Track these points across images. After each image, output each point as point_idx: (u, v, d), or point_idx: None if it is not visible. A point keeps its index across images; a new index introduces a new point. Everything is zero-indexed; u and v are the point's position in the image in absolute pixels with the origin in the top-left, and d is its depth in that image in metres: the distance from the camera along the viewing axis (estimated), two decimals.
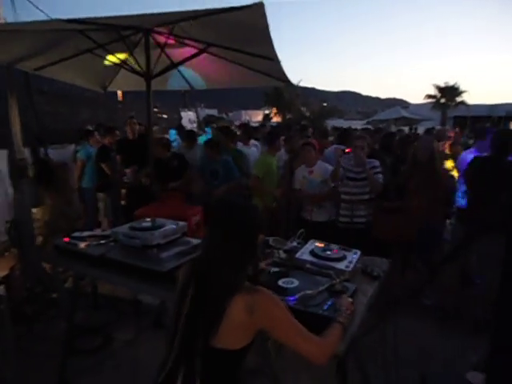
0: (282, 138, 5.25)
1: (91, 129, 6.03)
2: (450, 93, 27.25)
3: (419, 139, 4.30)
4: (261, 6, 2.37)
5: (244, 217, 1.33)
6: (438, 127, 11.37)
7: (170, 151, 4.80)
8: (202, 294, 1.29)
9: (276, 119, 29.40)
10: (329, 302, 1.59)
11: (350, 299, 1.61)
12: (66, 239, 2.42)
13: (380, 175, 3.83)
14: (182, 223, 2.36)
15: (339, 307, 1.52)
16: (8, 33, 3.12)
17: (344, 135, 5.62)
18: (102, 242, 2.35)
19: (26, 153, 4.39)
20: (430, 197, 3.65)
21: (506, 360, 1.18)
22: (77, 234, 2.50)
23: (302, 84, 31.47)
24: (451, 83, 27.59)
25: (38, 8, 4.16)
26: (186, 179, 4.58)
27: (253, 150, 5.53)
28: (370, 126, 12.12)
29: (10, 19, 3.63)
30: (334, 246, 2.21)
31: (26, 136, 4.32)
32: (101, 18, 2.89)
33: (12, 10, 3.80)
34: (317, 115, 27.95)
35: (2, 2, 3.77)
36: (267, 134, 5.12)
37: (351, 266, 1.98)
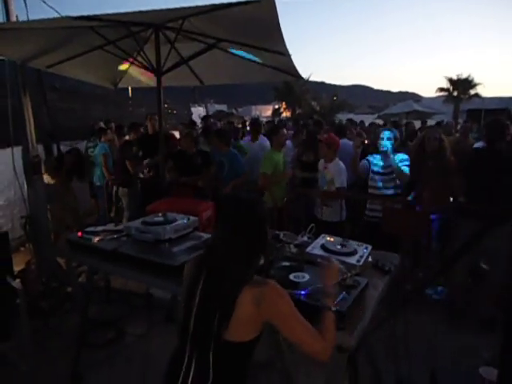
0: (290, 132, 5.20)
1: (103, 126, 6.11)
2: (462, 85, 26.72)
3: (425, 131, 4.25)
4: (271, 0, 2.36)
5: (251, 211, 1.35)
6: (449, 121, 11.18)
7: (197, 147, 4.82)
8: (212, 288, 1.31)
9: (286, 114, 29.28)
10: (340, 296, 1.59)
11: (337, 265, 1.57)
12: (80, 234, 2.46)
13: (407, 167, 3.84)
14: (193, 218, 2.38)
15: (325, 291, 1.45)
16: (20, 31, 3.17)
17: (339, 129, 5.64)
18: (115, 236, 2.38)
19: (40, 149, 4.46)
20: (441, 187, 3.62)
21: None
22: (90, 228, 2.54)
23: (311, 78, 31.20)
24: (464, 76, 27.08)
25: (48, 5, 4.17)
26: (205, 176, 4.57)
27: (260, 144, 5.42)
28: (379, 121, 11.99)
29: (22, 17, 3.67)
30: (344, 241, 2.20)
31: (39, 133, 4.40)
32: (111, 15, 2.91)
33: (23, 7, 3.83)
34: (327, 110, 27.73)
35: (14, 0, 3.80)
36: (268, 131, 5.03)
37: (362, 260, 1.97)
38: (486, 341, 2.57)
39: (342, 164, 3.97)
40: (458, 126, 9.87)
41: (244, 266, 1.30)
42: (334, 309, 1.40)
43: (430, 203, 3.64)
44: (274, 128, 4.86)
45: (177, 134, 6.30)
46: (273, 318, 1.28)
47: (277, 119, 19.50)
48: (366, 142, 4.67)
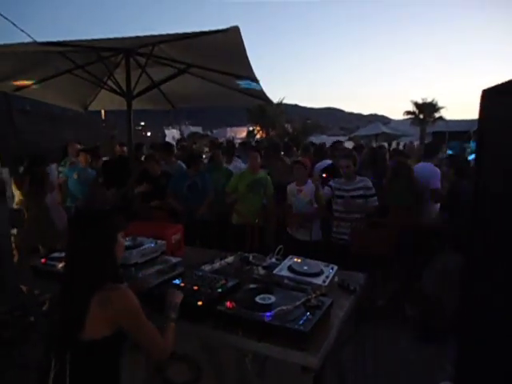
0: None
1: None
2: (428, 109, 28.10)
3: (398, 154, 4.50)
4: (236, 29, 2.47)
5: (91, 226, 1.50)
6: (416, 142, 11.69)
7: (161, 169, 4.81)
8: (66, 294, 1.48)
9: (260, 136, 29.67)
10: (304, 317, 1.61)
11: (177, 291, 1.77)
12: (44, 260, 2.39)
13: (375, 197, 3.86)
14: (160, 242, 2.37)
15: (169, 304, 1.65)
16: None
17: (320, 151, 5.78)
18: None
19: (5, 173, 4.34)
20: (407, 210, 3.78)
21: (471, 368, 1.23)
22: (56, 254, 2.47)
23: (285, 101, 31.89)
24: (429, 99, 28.50)
25: (18, 28, 4.19)
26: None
27: (236, 166, 5.52)
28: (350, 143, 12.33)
29: None
30: (311, 261, 2.24)
31: (5, 155, 4.29)
32: (80, 41, 2.94)
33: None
34: (300, 132, 28.32)
35: None
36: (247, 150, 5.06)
37: (328, 280, 2.01)
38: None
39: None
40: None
41: (92, 274, 1.44)
42: (174, 316, 1.61)
43: (397, 225, 3.76)
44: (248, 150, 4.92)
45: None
46: (120, 319, 1.42)
47: (251, 140, 19.72)
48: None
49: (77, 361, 1.41)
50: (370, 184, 3.90)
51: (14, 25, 4.19)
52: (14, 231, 4.28)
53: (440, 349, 3.03)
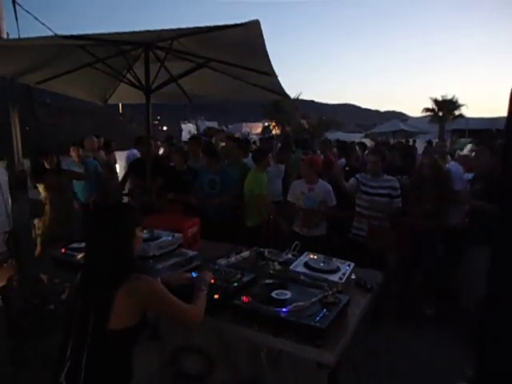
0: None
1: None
2: (447, 106, 27.49)
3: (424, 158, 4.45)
4: (257, 23, 2.44)
5: (111, 221, 1.54)
6: (436, 140, 11.47)
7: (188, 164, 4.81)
8: (91, 286, 1.51)
9: (275, 131, 29.60)
10: (320, 314, 1.61)
11: (211, 274, 1.93)
12: (64, 250, 2.44)
13: (399, 199, 3.81)
14: (177, 235, 2.39)
15: (201, 279, 1.80)
16: (11, 48, 3.20)
17: (346, 149, 5.74)
18: None
19: (26, 164, 4.44)
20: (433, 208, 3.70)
21: (494, 371, 1.20)
22: (74, 245, 2.52)
23: (301, 97, 31.70)
24: (449, 97, 27.87)
25: (39, 21, 4.25)
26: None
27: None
28: (367, 140, 12.18)
29: (13, 32, 3.72)
30: (328, 258, 2.23)
31: (27, 147, 4.38)
32: (102, 35, 2.96)
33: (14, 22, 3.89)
34: (316, 128, 28.13)
35: (5, 15, 3.86)
36: (254, 152, 4.98)
37: (344, 277, 2.00)
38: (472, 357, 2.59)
39: (326, 184, 4.03)
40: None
41: (114, 267, 1.48)
42: (204, 288, 1.74)
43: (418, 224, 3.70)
44: (260, 152, 4.80)
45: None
46: (147, 306, 1.51)
47: (267, 135, 19.71)
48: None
49: (94, 351, 1.45)
50: (397, 185, 3.84)
51: (36, 18, 4.25)
52: (35, 221, 4.37)
53: (457, 350, 2.98)
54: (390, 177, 3.90)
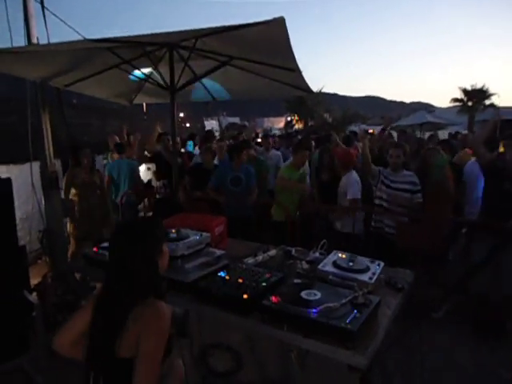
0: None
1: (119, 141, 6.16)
2: (477, 96, 26.43)
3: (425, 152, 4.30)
4: (281, 20, 2.41)
5: (138, 239, 1.43)
6: (465, 132, 11.04)
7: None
8: (105, 310, 1.40)
9: (298, 126, 29.32)
10: (351, 315, 1.58)
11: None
12: (95, 249, 2.50)
13: (420, 194, 3.73)
14: (205, 234, 2.40)
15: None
16: (40, 53, 3.30)
17: (348, 140, 5.75)
18: None
19: (58, 164, 4.58)
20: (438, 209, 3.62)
21: None
22: (106, 244, 2.57)
23: (324, 90, 31.22)
24: (479, 86, 26.79)
25: (67, 24, 4.36)
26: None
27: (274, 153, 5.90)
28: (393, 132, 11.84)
29: (42, 37, 3.84)
30: (356, 257, 2.19)
31: (58, 148, 4.52)
32: (127, 37, 3.01)
33: (43, 27, 4.03)
34: (339, 121, 27.67)
35: (36, 21, 3.98)
36: (295, 145, 4.99)
37: (374, 277, 1.96)
38: (507, 360, 2.50)
39: (354, 175, 3.97)
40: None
41: (134, 287, 1.38)
42: None
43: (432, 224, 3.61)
44: (296, 146, 4.78)
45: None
46: (141, 335, 1.31)
47: (290, 130, 19.56)
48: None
49: (112, 376, 1.36)
50: (416, 180, 3.77)
51: (63, 22, 4.35)
52: (68, 220, 4.51)
53: (493, 353, 2.89)
54: (409, 172, 3.86)
